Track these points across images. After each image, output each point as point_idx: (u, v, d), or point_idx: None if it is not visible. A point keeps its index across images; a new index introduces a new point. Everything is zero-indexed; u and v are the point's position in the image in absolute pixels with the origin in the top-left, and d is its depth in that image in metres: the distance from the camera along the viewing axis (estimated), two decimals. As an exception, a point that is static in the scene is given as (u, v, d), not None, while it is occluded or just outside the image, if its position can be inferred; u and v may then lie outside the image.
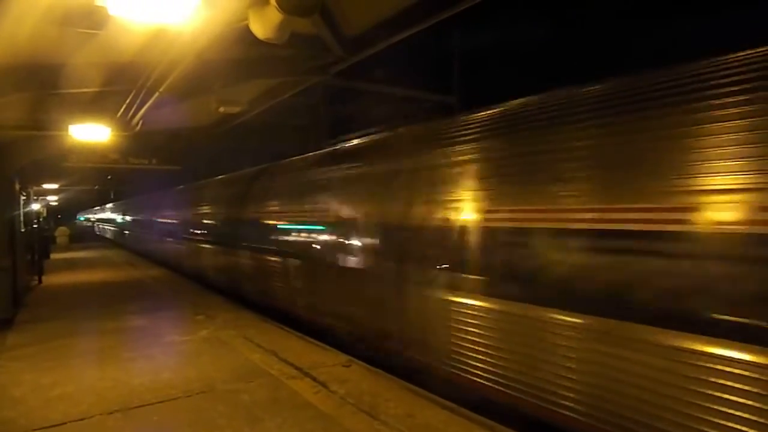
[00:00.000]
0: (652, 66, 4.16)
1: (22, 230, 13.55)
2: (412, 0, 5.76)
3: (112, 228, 36.12)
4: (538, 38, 14.77)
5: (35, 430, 4.83)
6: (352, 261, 6.95)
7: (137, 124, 8.88)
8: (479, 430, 4.55)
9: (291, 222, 9.10)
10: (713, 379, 3.14)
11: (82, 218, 58.47)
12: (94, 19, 4.85)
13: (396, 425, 4.65)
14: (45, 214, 26.90)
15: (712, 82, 3.47)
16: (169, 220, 18.44)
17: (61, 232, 33.85)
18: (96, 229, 46.14)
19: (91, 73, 6.51)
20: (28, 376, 6.37)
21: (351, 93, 16.02)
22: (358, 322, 6.84)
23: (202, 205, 14.90)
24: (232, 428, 4.72)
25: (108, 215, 38.77)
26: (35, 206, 19.90)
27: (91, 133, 8.87)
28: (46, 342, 8.00)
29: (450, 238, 5.22)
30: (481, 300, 4.81)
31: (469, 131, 5.50)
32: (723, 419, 3.10)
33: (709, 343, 3.17)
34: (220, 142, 14.88)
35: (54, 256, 23.66)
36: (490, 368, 4.69)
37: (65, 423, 4.95)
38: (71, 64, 6.33)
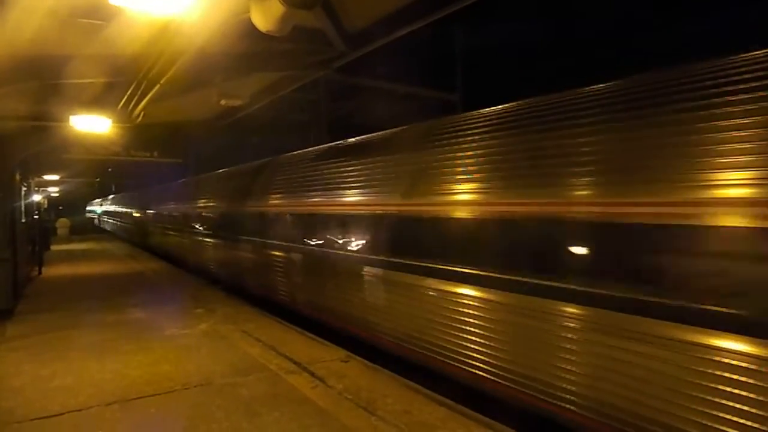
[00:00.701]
0: (656, 65, 4.15)
1: (23, 221, 13.55)
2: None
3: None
4: (541, 36, 14.73)
5: (33, 420, 4.83)
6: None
7: (138, 116, 8.87)
8: (476, 427, 4.54)
9: None
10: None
11: (98, 210, 43.60)
12: (96, 11, 4.83)
13: (393, 421, 4.65)
14: (46, 206, 26.89)
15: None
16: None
17: (62, 224, 33.88)
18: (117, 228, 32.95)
19: (92, 64, 6.51)
20: (28, 366, 6.38)
21: (353, 89, 16.00)
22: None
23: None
24: (229, 422, 4.72)
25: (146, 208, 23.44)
26: (36, 197, 19.90)
27: (92, 125, 8.86)
28: (46, 333, 8.01)
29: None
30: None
31: None
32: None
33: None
34: (222, 136, 14.87)
35: (54, 247, 23.69)
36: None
37: (63, 414, 4.96)
38: (73, 55, 6.32)
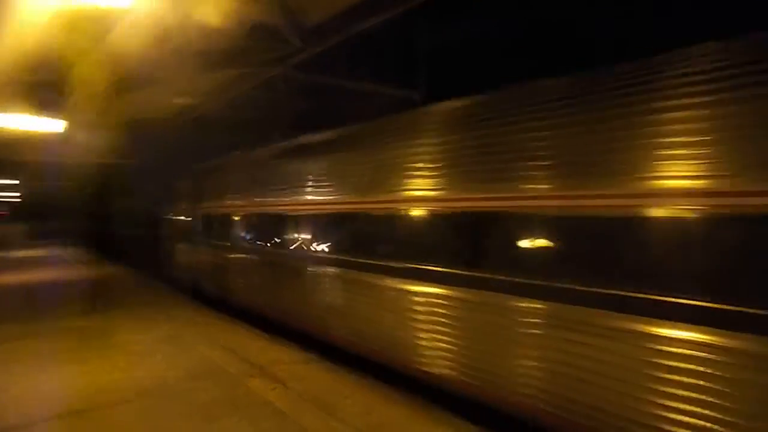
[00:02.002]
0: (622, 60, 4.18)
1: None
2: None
3: None
4: (508, 33, 14.81)
5: (-28, 437, 4.59)
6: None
7: (92, 116, 8.53)
8: (437, 425, 4.54)
9: None
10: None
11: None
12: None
13: (352, 422, 4.60)
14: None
15: None
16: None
17: (15, 230, 32.90)
18: None
19: (33, 63, 6.22)
20: (-32, 380, 6.04)
21: (315, 87, 15.82)
22: None
23: None
24: (187, 428, 4.59)
25: None
26: None
27: (42, 125, 8.49)
28: (-8, 344, 7.61)
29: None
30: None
31: None
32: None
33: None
34: (182, 135, 14.51)
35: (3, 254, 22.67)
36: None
37: (7, 431, 4.71)
38: (25, 53, 6.01)
